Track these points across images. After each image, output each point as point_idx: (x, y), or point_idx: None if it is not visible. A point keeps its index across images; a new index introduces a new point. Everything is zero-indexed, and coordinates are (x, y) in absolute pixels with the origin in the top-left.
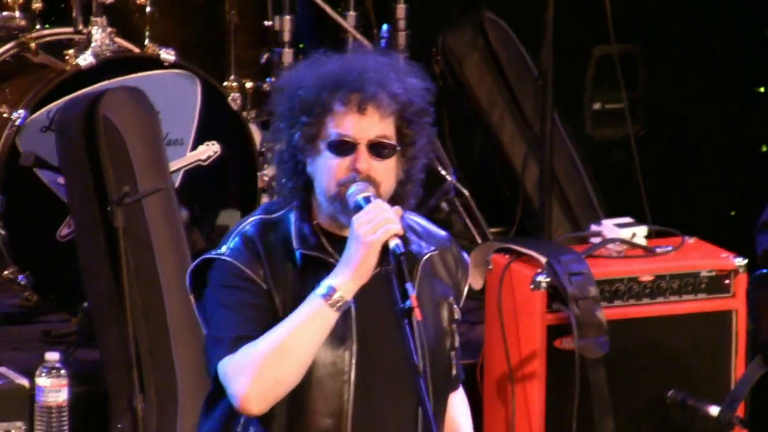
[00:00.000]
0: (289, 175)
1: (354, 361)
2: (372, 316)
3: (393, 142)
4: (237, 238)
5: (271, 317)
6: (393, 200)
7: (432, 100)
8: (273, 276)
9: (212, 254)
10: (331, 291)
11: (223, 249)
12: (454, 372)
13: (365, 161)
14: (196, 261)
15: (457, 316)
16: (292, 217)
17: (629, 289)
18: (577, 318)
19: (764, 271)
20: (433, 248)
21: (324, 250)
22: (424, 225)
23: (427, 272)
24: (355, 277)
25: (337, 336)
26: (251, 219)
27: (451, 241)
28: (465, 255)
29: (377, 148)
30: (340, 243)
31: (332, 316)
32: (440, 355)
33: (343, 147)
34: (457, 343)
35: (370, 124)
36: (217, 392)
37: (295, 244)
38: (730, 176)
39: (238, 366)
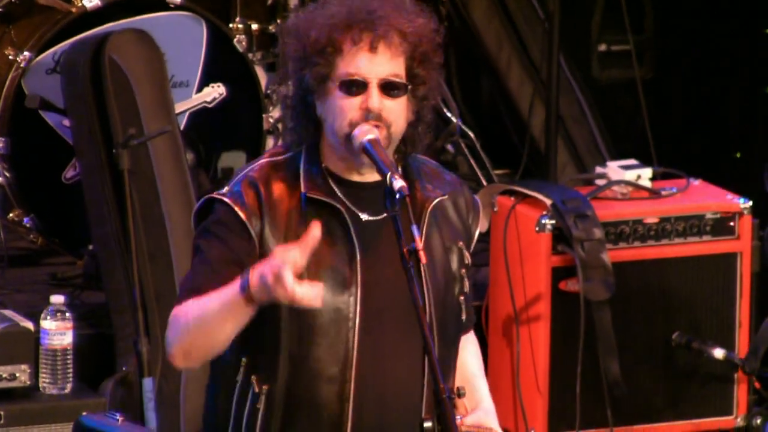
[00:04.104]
0: (298, 117)
1: (359, 307)
2: (378, 261)
3: (404, 80)
4: (240, 182)
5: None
6: (404, 142)
7: (441, 41)
8: (272, 221)
9: (214, 194)
10: (245, 285)
11: (225, 190)
12: (464, 317)
13: (377, 100)
14: (201, 201)
15: (467, 260)
16: (301, 158)
17: (634, 231)
18: (582, 260)
19: None
20: (443, 193)
21: (331, 194)
22: (435, 168)
23: (436, 216)
24: (260, 294)
25: (342, 282)
26: (259, 161)
27: (462, 185)
28: (476, 199)
29: (388, 87)
30: (348, 186)
31: (243, 310)
32: (449, 300)
33: (355, 86)
34: (467, 288)
35: (381, 63)
36: None
37: (303, 186)
38: (735, 118)
39: (173, 321)
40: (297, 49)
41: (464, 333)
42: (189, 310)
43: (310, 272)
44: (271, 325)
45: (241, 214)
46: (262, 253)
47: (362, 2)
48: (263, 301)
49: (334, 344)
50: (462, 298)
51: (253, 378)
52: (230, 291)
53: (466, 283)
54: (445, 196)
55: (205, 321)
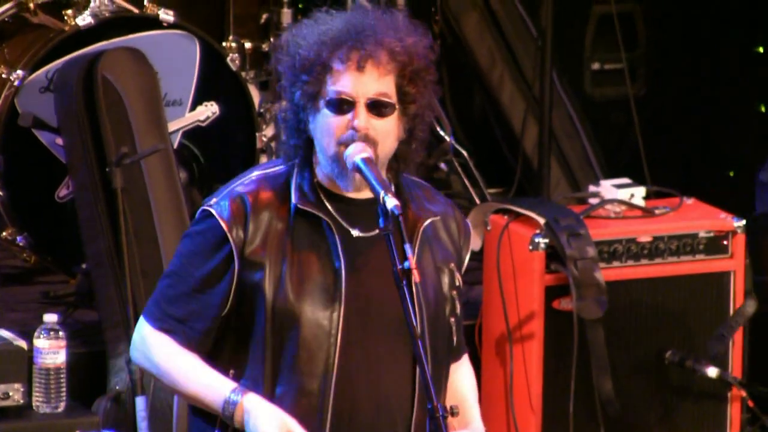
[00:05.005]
0: (291, 133)
1: (341, 323)
2: (367, 277)
3: (392, 100)
4: (228, 193)
5: (222, 290)
6: (396, 160)
7: (434, 59)
8: (257, 231)
9: (204, 204)
10: (233, 406)
11: (213, 201)
12: (455, 339)
13: (364, 119)
14: (197, 213)
15: (458, 282)
16: (294, 173)
17: (627, 250)
18: (575, 279)
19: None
20: (435, 214)
21: (321, 208)
22: (427, 190)
23: (428, 237)
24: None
25: (326, 297)
26: (252, 174)
27: (453, 207)
28: (467, 222)
29: (376, 106)
30: (340, 201)
31: (217, 410)
32: (440, 320)
33: (342, 105)
34: (458, 310)
35: (368, 82)
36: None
37: (294, 198)
38: (728, 137)
39: (150, 351)
40: (288, 65)
41: (456, 359)
42: (161, 367)
43: (295, 286)
44: (257, 338)
45: (223, 225)
46: (243, 263)
47: (353, 20)
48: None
49: (315, 358)
50: (453, 319)
51: (241, 381)
52: (211, 395)
53: (458, 305)
54: (437, 217)
55: (178, 390)
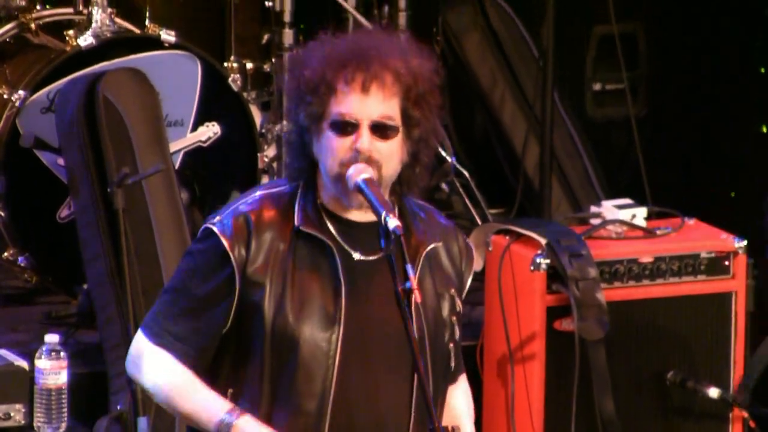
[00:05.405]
0: (295, 154)
1: (340, 345)
2: (368, 300)
3: (396, 123)
4: (231, 212)
5: (222, 310)
6: (400, 183)
7: (440, 82)
8: (259, 251)
9: (207, 222)
10: (228, 428)
11: (216, 219)
12: (452, 364)
13: (367, 141)
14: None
15: (458, 308)
16: (298, 193)
17: (629, 271)
18: (577, 299)
19: None
20: (437, 238)
21: (323, 230)
22: (431, 212)
23: (430, 262)
24: None
25: (326, 319)
26: (255, 192)
27: (456, 231)
28: (470, 245)
29: (379, 129)
30: (342, 224)
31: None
32: (439, 344)
33: (345, 126)
34: (457, 336)
35: (372, 104)
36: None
37: (296, 220)
38: (730, 157)
39: (145, 367)
40: (293, 86)
41: (453, 382)
42: (158, 382)
43: (295, 307)
44: (255, 357)
45: (225, 244)
46: (244, 282)
47: (359, 42)
48: None
49: (313, 379)
50: (452, 345)
51: (240, 401)
52: (205, 415)
53: (457, 331)
54: (439, 243)
55: (172, 408)
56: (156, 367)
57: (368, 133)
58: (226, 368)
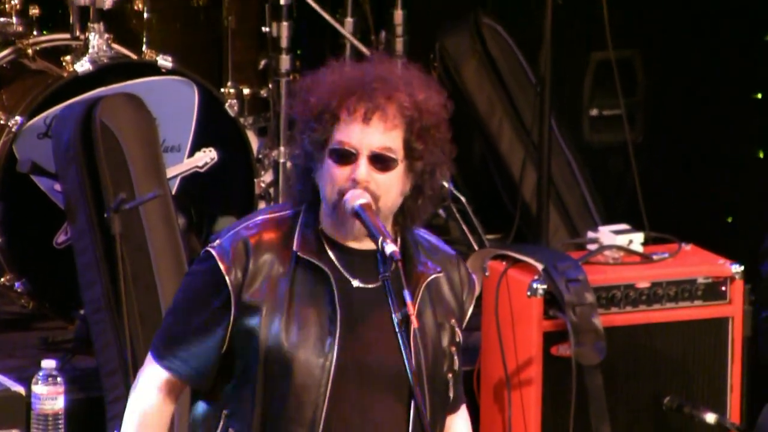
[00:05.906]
0: (298, 179)
1: (332, 373)
2: (365, 328)
3: (395, 155)
4: (232, 236)
5: (219, 334)
6: (402, 214)
7: (447, 116)
8: (257, 275)
9: (208, 245)
10: None
11: (216, 242)
12: (451, 394)
13: (365, 172)
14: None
15: (458, 338)
16: (299, 218)
17: (626, 296)
18: (573, 324)
19: None
20: (438, 269)
21: (322, 256)
22: (433, 242)
23: (431, 293)
24: None
25: (320, 346)
26: (257, 217)
27: (459, 260)
28: (473, 276)
29: (379, 160)
30: (342, 251)
31: None
32: (437, 374)
33: (344, 155)
34: (456, 366)
35: (373, 135)
36: (195, 392)
37: (296, 246)
38: (726, 183)
39: (139, 381)
40: (299, 111)
41: (452, 411)
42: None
43: (290, 332)
44: (250, 381)
45: (222, 268)
46: (240, 306)
47: (366, 72)
48: None
49: (304, 406)
50: (450, 375)
51: (230, 430)
52: None
53: (456, 361)
54: (441, 273)
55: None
56: (146, 383)
57: (366, 164)
58: (224, 389)
